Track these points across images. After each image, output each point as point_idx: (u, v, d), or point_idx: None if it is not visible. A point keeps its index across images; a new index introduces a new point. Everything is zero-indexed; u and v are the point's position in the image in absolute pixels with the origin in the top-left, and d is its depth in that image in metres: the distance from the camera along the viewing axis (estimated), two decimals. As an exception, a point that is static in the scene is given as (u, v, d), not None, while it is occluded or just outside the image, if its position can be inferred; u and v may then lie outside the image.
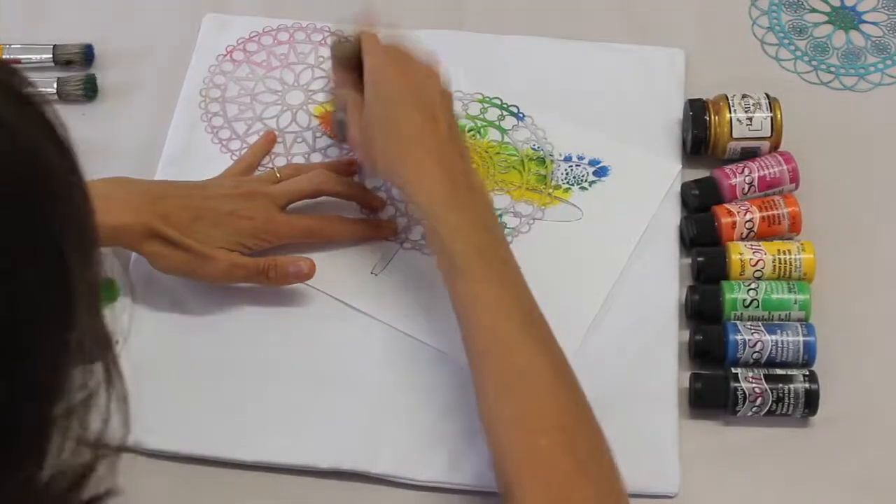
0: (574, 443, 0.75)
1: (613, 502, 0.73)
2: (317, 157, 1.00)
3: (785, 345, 0.87)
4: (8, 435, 0.48)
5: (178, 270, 0.89)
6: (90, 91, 1.03)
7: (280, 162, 0.99)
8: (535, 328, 0.79)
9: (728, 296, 0.89)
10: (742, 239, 0.93)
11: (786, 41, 1.08)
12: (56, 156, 0.50)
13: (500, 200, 0.97)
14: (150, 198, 0.87)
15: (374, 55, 0.88)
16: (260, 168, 0.98)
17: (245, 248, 0.89)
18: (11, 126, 0.48)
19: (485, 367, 0.78)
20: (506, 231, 0.95)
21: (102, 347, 0.55)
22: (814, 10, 1.10)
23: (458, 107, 1.02)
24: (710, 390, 0.86)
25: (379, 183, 0.98)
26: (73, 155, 0.51)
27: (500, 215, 0.96)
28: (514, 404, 0.76)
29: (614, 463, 0.75)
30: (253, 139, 1.01)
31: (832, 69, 1.06)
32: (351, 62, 0.90)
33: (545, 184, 0.98)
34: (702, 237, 0.93)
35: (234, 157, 1.00)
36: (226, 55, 1.06)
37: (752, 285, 0.89)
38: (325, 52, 1.06)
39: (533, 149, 1.00)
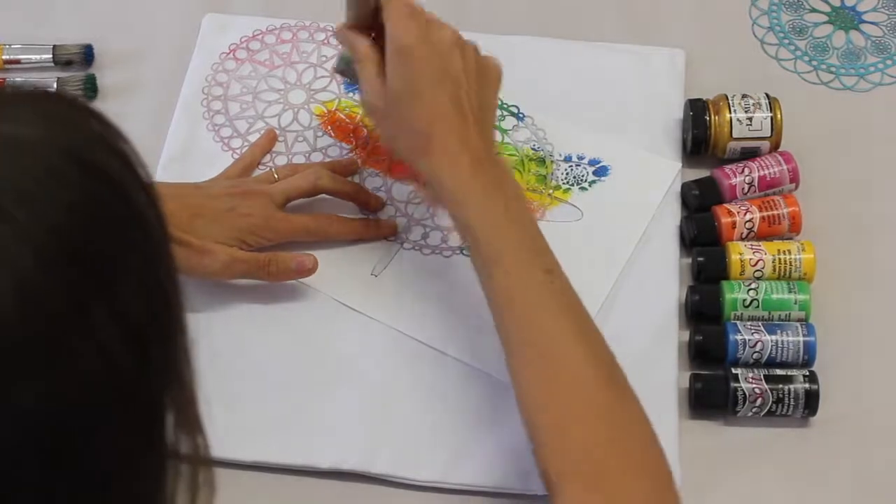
0: (621, 437, 0.74)
1: (669, 498, 0.73)
2: (317, 157, 1.00)
3: (785, 345, 0.87)
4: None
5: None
6: (90, 91, 1.03)
7: (281, 161, 0.99)
8: (574, 317, 0.78)
9: (728, 296, 0.89)
10: (742, 239, 0.93)
11: (786, 41, 1.08)
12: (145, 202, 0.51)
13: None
14: None
15: (397, 22, 0.83)
16: (260, 168, 0.98)
17: (244, 245, 0.89)
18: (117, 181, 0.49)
19: (524, 358, 0.77)
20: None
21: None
22: (814, 10, 1.10)
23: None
24: (711, 391, 0.86)
25: (379, 183, 0.98)
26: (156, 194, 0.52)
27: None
28: (557, 398, 0.75)
29: (664, 458, 0.74)
30: (254, 137, 1.01)
31: (832, 69, 1.06)
32: (367, 18, 0.87)
33: (545, 184, 0.98)
34: (702, 237, 0.93)
35: (236, 156, 1.00)
36: (228, 53, 1.06)
37: (752, 285, 0.89)
38: (328, 51, 1.06)
39: (533, 149, 1.00)
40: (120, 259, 0.48)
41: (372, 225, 0.95)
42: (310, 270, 0.90)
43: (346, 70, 0.92)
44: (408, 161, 0.86)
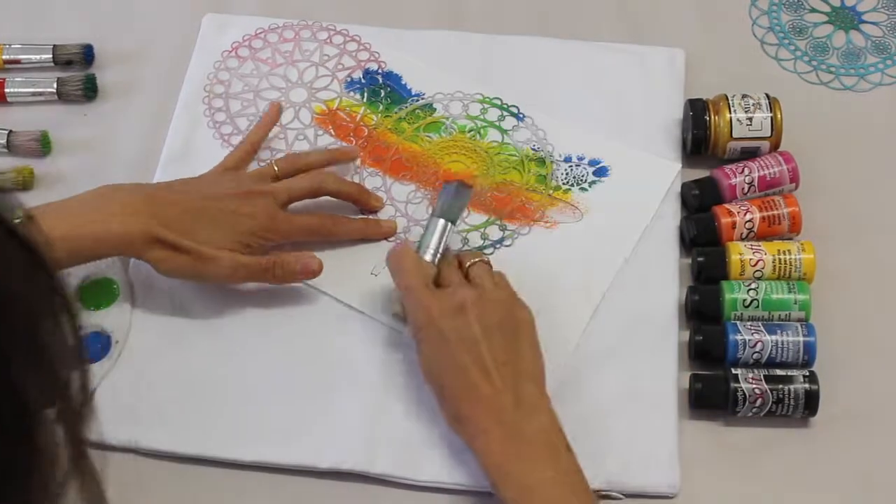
0: None
1: None
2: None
3: (785, 345, 0.87)
4: None
5: (181, 273, 0.88)
6: (90, 91, 1.03)
7: (281, 161, 0.99)
8: None
9: (728, 296, 0.89)
10: (742, 239, 0.93)
11: (786, 41, 1.08)
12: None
13: (500, 202, 0.97)
14: (148, 204, 0.87)
15: (409, 306, 0.85)
16: (261, 163, 0.98)
17: (247, 247, 0.89)
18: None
19: None
20: (505, 233, 0.95)
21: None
22: (814, 10, 1.10)
23: (458, 107, 1.02)
24: (711, 391, 0.86)
25: (379, 183, 0.98)
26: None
27: (500, 219, 0.96)
28: None
29: None
30: (255, 135, 1.01)
31: (832, 69, 1.06)
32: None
33: (545, 184, 0.98)
34: (702, 237, 0.93)
35: (236, 154, 1.00)
36: (231, 51, 1.06)
37: (752, 285, 0.89)
38: (330, 50, 1.06)
39: (533, 149, 1.00)
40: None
41: (373, 224, 0.95)
42: (315, 273, 0.89)
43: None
44: (447, 420, 0.84)
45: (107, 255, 0.88)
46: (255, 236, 0.89)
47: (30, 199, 0.96)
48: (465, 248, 0.95)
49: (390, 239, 0.95)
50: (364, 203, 0.96)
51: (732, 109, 0.96)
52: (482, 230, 0.96)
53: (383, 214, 0.96)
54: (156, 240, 0.85)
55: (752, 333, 0.87)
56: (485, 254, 0.92)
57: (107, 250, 0.87)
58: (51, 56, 1.05)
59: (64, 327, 0.52)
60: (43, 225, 0.79)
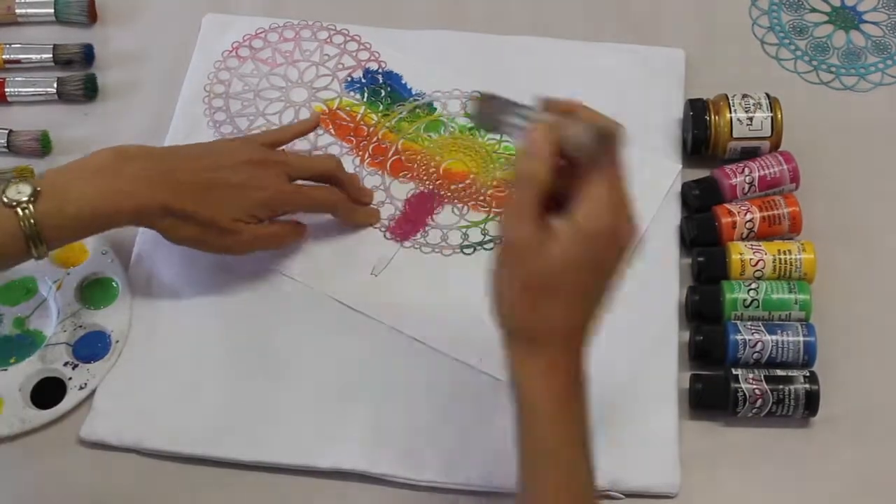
0: None
1: None
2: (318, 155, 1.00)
3: (785, 345, 0.87)
4: None
5: (190, 242, 0.88)
6: (90, 91, 1.03)
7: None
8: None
9: (728, 296, 0.89)
10: (742, 239, 0.93)
11: (786, 41, 1.08)
12: None
13: (500, 200, 0.97)
14: (161, 171, 0.85)
15: (591, 200, 0.69)
16: None
17: (255, 218, 0.88)
18: None
19: None
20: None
21: None
22: (814, 10, 1.10)
23: (456, 105, 1.02)
24: (711, 391, 0.86)
25: (378, 182, 0.98)
26: None
27: (499, 216, 0.96)
28: None
29: None
30: (255, 135, 1.01)
31: (832, 69, 1.06)
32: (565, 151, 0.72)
33: (545, 184, 0.98)
34: (702, 237, 0.93)
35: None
36: (231, 51, 1.06)
37: (753, 285, 0.89)
38: (330, 50, 1.06)
39: (533, 149, 1.00)
40: None
41: (374, 213, 0.96)
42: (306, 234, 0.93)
43: (480, 120, 0.79)
44: (492, 316, 0.73)
45: (119, 226, 0.86)
46: (264, 208, 0.89)
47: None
48: (465, 243, 0.95)
49: (388, 237, 0.95)
50: (356, 196, 0.96)
51: (733, 109, 0.96)
52: (482, 227, 0.96)
53: (383, 214, 0.96)
54: (169, 211, 0.85)
55: (753, 333, 0.87)
56: (485, 249, 0.92)
57: (120, 223, 0.85)
58: (51, 56, 1.05)
59: None
60: (53, 199, 0.80)
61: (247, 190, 0.88)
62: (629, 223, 0.71)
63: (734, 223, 0.93)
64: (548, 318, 0.71)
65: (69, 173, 0.83)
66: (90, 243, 0.93)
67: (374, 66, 1.05)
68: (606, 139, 0.72)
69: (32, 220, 0.80)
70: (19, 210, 0.79)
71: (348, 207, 0.95)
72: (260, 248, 0.91)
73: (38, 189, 0.80)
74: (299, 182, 0.92)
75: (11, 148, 1.00)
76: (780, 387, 0.85)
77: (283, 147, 0.94)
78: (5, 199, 0.80)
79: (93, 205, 0.82)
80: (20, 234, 0.80)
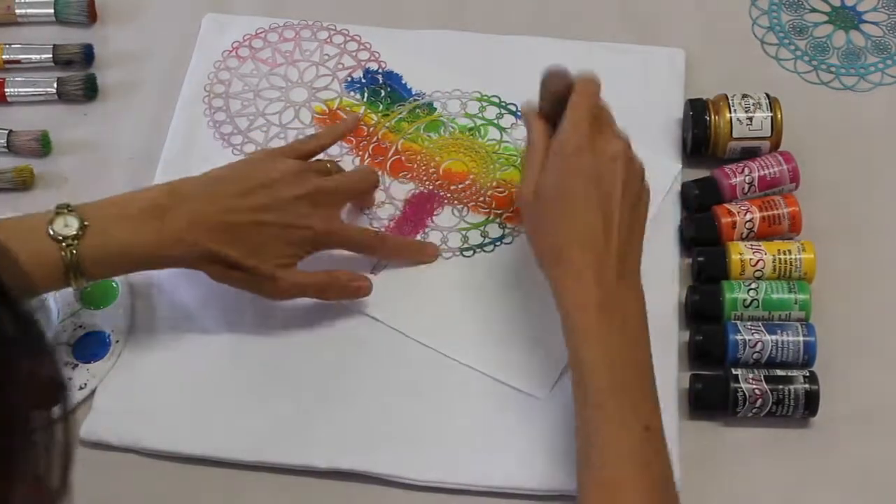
0: None
1: None
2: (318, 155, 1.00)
3: (785, 345, 0.87)
4: None
5: (236, 285, 0.86)
6: (90, 91, 1.03)
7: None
8: (653, 474, 0.75)
9: (728, 296, 0.89)
10: (742, 239, 0.93)
11: (786, 41, 1.08)
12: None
13: (500, 201, 0.97)
14: (210, 213, 0.83)
15: (570, 122, 0.82)
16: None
17: (299, 257, 0.87)
18: None
19: (593, 498, 0.75)
20: (505, 231, 0.95)
21: None
22: (814, 10, 1.10)
23: (455, 105, 1.02)
24: (711, 391, 0.86)
25: (379, 183, 0.98)
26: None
27: (500, 218, 0.96)
28: None
29: None
30: (255, 135, 1.01)
31: (832, 69, 1.06)
32: (555, 105, 0.85)
33: (545, 184, 0.98)
34: (702, 237, 0.93)
35: (236, 153, 1.00)
36: (231, 51, 1.06)
37: (753, 285, 0.89)
38: (330, 50, 1.06)
39: (533, 149, 1.00)
40: None
41: (419, 247, 0.94)
42: (366, 294, 0.89)
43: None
44: (537, 261, 0.83)
45: (161, 269, 0.87)
46: (309, 246, 0.87)
47: (30, 199, 0.97)
48: (465, 245, 0.95)
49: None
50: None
51: (732, 109, 0.96)
52: (482, 228, 0.96)
53: (382, 213, 0.96)
54: (215, 259, 0.83)
55: (753, 333, 0.87)
56: (485, 251, 0.92)
57: (162, 266, 0.86)
58: (51, 56, 1.05)
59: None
60: (99, 235, 0.79)
61: (292, 231, 0.85)
62: (611, 137, 0.82)
63: (734, 223, 0.93)
64: (550, 233, 0.81)
65: (117, 208, 0.82)
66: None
67: (374, 66, 1.05)
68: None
69: (75, 254, 0.79)
70: (64, 244, 0.79)
71: (395, 249, 0.93)
72: (300, 296, 0.88)
73: (86, 224, 0.80)
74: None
75: (11, 148, 1.00)
76: (780, 387, 0.85)
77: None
78: (51, 233, 0.79)
79: (137, 247, 0.81)
80: (61, 265, 0.79)
